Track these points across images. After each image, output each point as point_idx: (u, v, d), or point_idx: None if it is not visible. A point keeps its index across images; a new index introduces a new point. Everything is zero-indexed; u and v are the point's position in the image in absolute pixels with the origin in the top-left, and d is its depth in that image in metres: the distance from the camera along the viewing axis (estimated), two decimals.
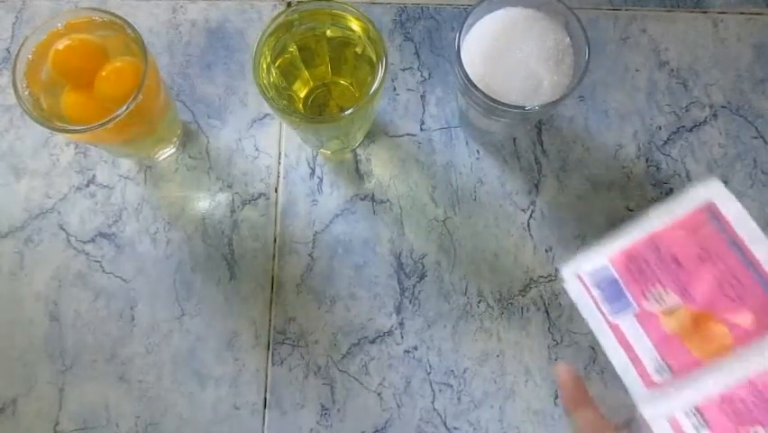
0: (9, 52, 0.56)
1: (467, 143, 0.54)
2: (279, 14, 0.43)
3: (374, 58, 0.44)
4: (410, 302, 0.51)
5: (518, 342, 0.50)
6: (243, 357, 0.50)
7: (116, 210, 0.53)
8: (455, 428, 0.49)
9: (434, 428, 0.49)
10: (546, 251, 0.52)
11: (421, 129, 0.54)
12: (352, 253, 0.51)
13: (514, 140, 0.54)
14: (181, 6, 0.57)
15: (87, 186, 0.54)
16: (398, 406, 0.49)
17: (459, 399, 0.49)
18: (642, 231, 0.37)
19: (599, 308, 0.35)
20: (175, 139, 0.53)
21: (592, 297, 0.35)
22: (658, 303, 0.34)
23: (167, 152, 0.54)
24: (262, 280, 0.52)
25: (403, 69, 0.55)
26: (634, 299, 0.34)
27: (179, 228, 0.53)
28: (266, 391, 0.50)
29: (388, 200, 0.53)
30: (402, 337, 0.50)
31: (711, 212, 0.35)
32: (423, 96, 0.55)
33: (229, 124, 0.55)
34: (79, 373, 0.50)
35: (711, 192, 0.35)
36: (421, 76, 0.55)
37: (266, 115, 0.55)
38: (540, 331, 0.50)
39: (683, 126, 0.54)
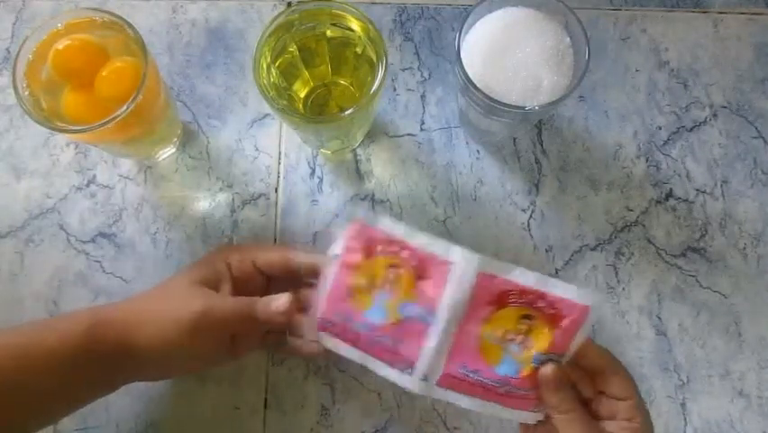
0: (9, 52, 0.56)
1: (467, 143, 0.54)
2: (280, 14, 0.43)
3: (374, 58, 0.44)
4: None
5: None
6: (243, 357, 0.50)
7: (116, 210, 0.53)
8: (455, 428, 0.49)
9: (434, 428, 0.49)
10: (547, 251, 0.52)
11: (421, 129, 0.54)
12: None
13: (514, 140, 0.54)
14: (181, 6, 0.57)
15: (87, 186, 0.54)
16: (398, 406, 0.49)
17: None
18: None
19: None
20: (175, 139, 0.53)
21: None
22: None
23: (167, 152, 0.54)
24: None
25: (403, 69, 0.55)
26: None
27: (179, 228, 0.53)
28: (266, 391, 0.50)
29: (388, 200, 0.53)
30: None
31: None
32: (423, 96, 0.55)
33: (229, 124, 0.55)
34: None
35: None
36: (421, 76, 0.55)
37: (266, 115, 0.55)
38: None
39: (683, 126, 0.54)
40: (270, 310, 0.42)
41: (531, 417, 0.42)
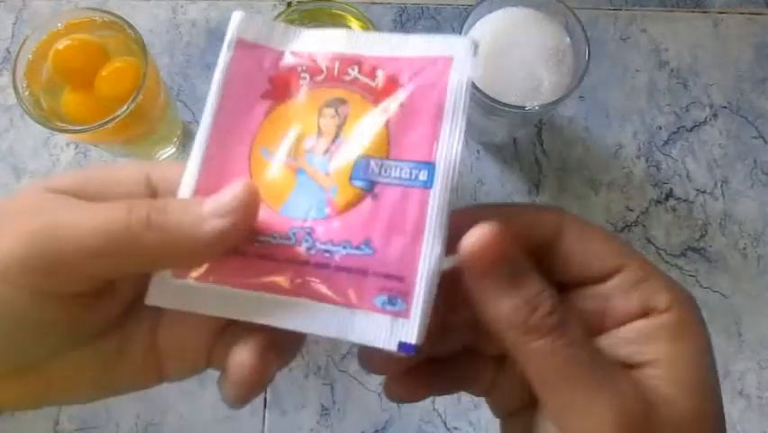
0: (9, 52, 0.56)
1: (467, 144, 0.54)
2: (279, 14, 0.43)
3: None
4: None
5: None
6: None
7: None
8: (455, 428, 0.49)
9: (434, 428, 0.49)
10: None
11: None
12: None
13: (514, 140, 0.54)
14: (181, 6, 0.57)
15: None
16: (398, 406, 0.49)
17: (459, 399, 0.49)
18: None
19: None
20: (175, 139, 0.53)
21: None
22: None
23: (167, 152, 0.54)
24: None
25: None
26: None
27: None
28: (266, 390, 0.50)
29: None
30: None
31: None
32: None
33: None
34: None
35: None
36: None
37: None
38: None
39: (683, 126, 0.54)
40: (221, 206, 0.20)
41: (373, 333, 0.20)
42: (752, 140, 0.54)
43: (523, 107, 0.42)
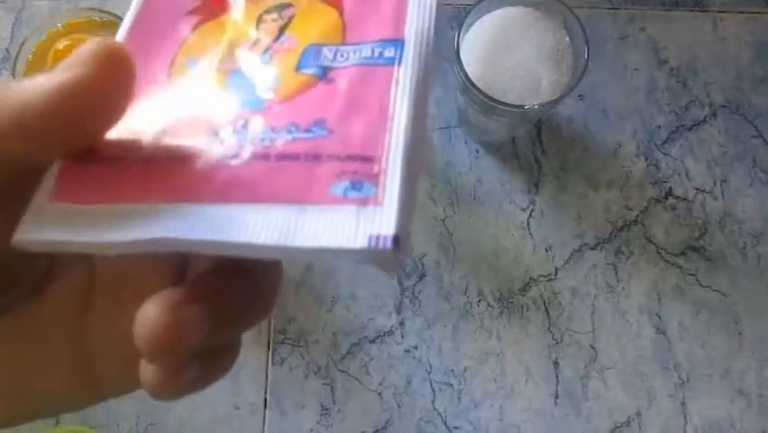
0: (9, 52, 0.56)
1: (466, 143, 0.54)
2: None
3: None
4: (410, 302, 0.51)
5: (518, 341, 0.50)
6: (243, 357, 0.50)
7: None
8: (455, 428, 0.49)
9: (434, 427, 0.49)
10: (546, 250, 0.52)
11: None
12: None
13: (513, 139, 0.54)
14: None
15: None
16: (398, 406, 0.49)
17: (459, 398, 0.49)
18: None
19: None
20: None
21: None
22: None
23: None
24: None
25: None
26: None
27: None
28: (266, 391, 0.50)
29: None
30: (402, 337, 0.51)
31: None
32: None
33: None
34: None
35: None
36: None
37: None
38: (540, 330, 0.50)
39: (683, 125, 0.54)
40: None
41: (331, 231, 0.14)
42: (751, 139, 0.54)
43: (522, 106, 0.42)
